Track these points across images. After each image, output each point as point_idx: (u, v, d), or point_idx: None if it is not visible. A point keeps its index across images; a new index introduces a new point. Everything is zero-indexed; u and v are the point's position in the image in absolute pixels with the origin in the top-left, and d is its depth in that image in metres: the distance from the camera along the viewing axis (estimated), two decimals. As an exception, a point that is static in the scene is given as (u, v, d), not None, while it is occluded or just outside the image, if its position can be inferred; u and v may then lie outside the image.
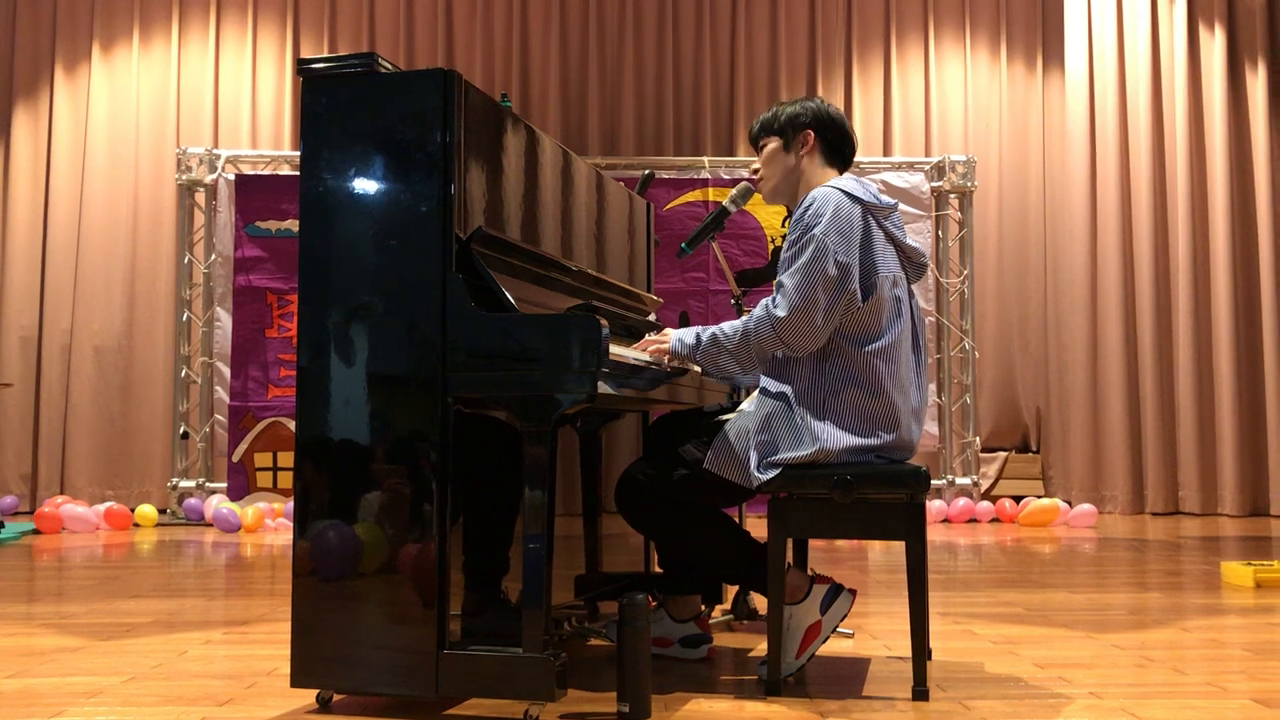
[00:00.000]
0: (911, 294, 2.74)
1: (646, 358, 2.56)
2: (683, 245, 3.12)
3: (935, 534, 6.62)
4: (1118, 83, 8.33)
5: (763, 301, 2.58)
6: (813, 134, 2.76)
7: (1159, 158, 8.24)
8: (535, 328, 2.30)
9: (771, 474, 2.55)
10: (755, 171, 2.86)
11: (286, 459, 7.22)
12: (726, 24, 8.64)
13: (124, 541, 6.26)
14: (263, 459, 7.31)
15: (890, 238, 2.68)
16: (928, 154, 8.39)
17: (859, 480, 2.51)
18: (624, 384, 2.44)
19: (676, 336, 2.66)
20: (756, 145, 2.85)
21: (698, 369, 2.79)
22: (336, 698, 2.43)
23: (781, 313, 2.52)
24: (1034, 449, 8.45)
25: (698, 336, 2.63)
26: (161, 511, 7.40)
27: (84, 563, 5.27)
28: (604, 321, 2.28)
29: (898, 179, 7.73)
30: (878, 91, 8.64)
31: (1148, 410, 8.06)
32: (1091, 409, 8.19)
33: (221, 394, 7.46)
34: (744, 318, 2.60)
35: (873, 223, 2.63)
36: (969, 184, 7.89)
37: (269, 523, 6.88)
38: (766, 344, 2.57)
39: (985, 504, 7.51)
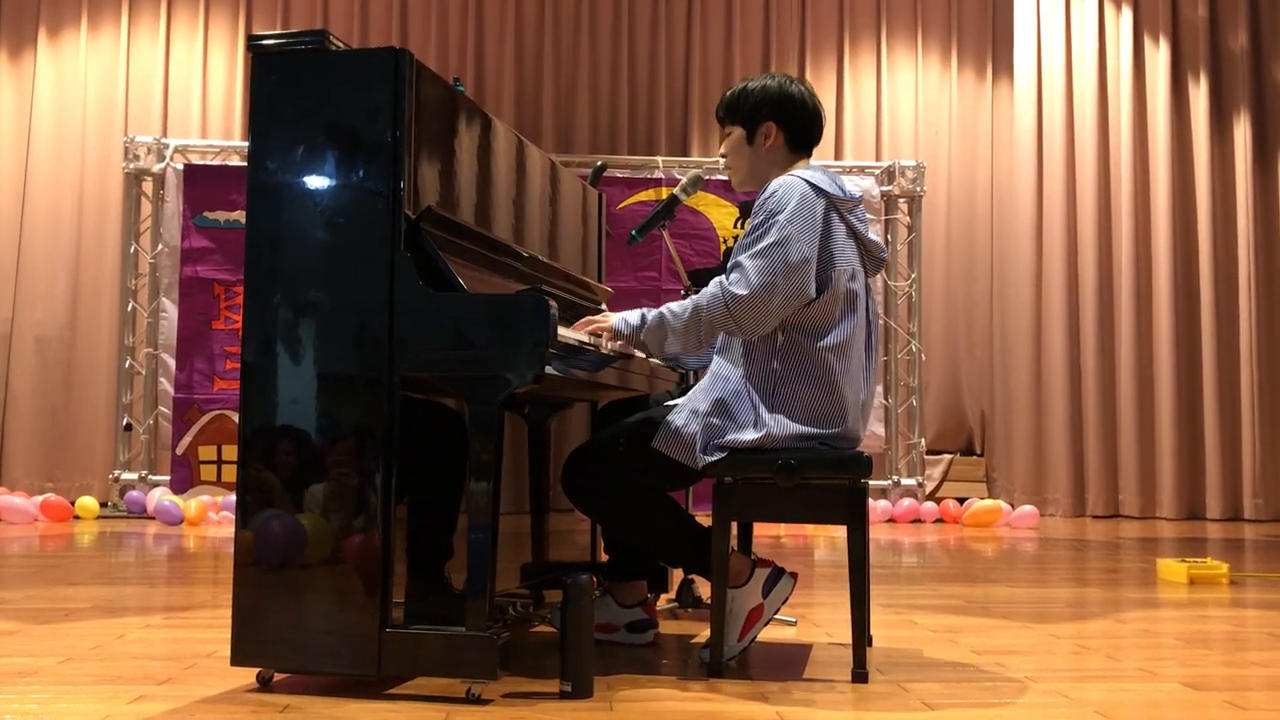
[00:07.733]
0: (869, 289, 2.75)
1: (585, 337, 2.56)
2: (633, 232, 3.13)
3: (880, 533, 6.68)
4: (1065, 93, 8.48)
5: (716, 279, 2.57)
6: (774, 126, 2.75)
7: (1104, 167, 8.40)
8: (484, 308, 2.30)
9: (717, 456, 2.56)
10: (723, 155, 2.86)
11: (231, 453, 7.12)
12: (682, 24, 8.69)
13: (64, 533, 6.15)
14: (207, 452, 7.22)
15: (852, 231, 2.68)
16: (878, 158, 8.48)
17: (802, 465, 2.53)
18: (572, 365, 2.44)
19: (620, 316, 2.64)
20: (722, 125, 2.83)
21: (640, 354, 2.77)
22: (277, 677, 2.42)
23: (740, 290, 2.51)
24: (978, 452, 8.56)
25: (643, 316, 2.61)
26: (103, 504, 7.29)
27: (22, 551, 5.17)
28: (553, 303, 2.29)
29: (849, 182, 7.77)
30: (830, 96, 8.72)
31: (1089, 416, 8.21)
32: (1035, 414, 8.31)
33: (166, 386, 7.36)
34: (693, 296, 2.60)
35: (835, 217, 2.63)
36: (918, 189, 7.99)
37: (212, 515, 6.80)
38: (718, 321, 2.55)
39: (930, 505, 7.59)
